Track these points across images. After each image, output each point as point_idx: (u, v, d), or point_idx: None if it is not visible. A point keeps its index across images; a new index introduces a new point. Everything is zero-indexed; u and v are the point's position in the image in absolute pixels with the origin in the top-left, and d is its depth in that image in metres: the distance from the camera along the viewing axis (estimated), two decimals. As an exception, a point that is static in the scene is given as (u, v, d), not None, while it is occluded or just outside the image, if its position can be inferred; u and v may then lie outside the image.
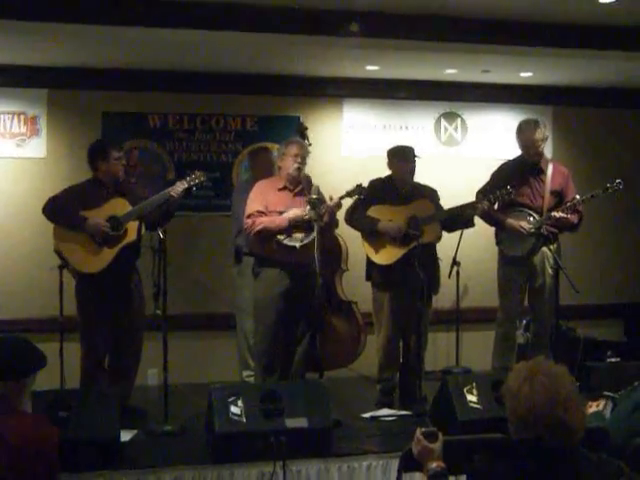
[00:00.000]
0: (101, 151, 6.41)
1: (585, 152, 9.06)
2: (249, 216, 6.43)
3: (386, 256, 6.78)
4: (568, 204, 6.83)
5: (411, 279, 6.52)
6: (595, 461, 3.09)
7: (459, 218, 6.84)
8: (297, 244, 6.37)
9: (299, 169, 6.50)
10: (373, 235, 6.78)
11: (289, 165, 6.48)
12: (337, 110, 8.57)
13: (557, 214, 6.78)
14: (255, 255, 6.66)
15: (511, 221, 6.89)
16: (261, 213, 6.42)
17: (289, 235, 6.38)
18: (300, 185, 6.55)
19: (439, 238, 6.84)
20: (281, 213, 6.42)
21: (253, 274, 6.62)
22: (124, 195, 6.43)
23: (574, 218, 6.92)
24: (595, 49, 7.34)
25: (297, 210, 6.38)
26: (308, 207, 6.33)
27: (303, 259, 6.34)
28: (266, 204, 6.45)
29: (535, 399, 3.01)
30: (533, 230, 6.79)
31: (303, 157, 6.53)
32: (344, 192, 6.43)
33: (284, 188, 6.54)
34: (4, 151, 7.84)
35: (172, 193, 6.32)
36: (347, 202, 6.66)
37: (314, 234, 6.26)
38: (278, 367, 6.53)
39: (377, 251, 6.80)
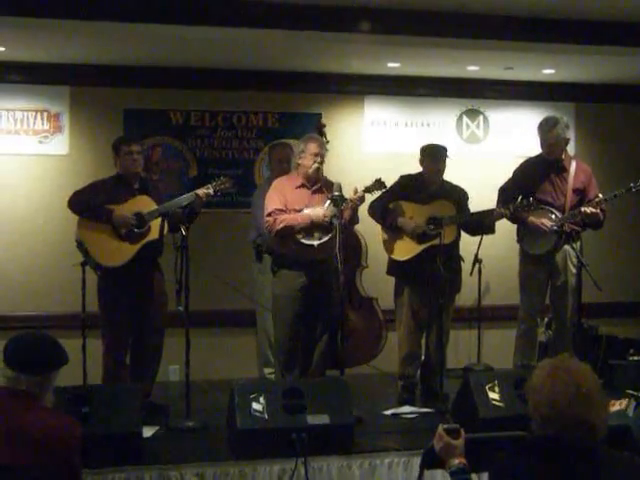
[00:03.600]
0: (114, 147, 6.46)
1: (608, 149, 9.02)
2: (269, 214, 6.44)
3: (402, 252, 6.81)
4: (590, 203, 6.79)
5: (431, 276, 6.53)
6: (618, 459, 3.08)
7: (480, 223, 6.83)
8: (315, 242, 6.38)
9: (319, 169, 6.51)
10: (392, 230, 6.81)
11: (309, 164, 6.47)
12: (359, 107, 8.56)
13: (588, 209, 6.71)
14: (274, 253, 6.68)
15: (533, 219, 6.85)
16: (281, 211, 6.42)
17: (308, 234, 6.39)
18: (319, 182, 6.56)
19: (454, 240, 6.80)
20: (299, 211, 6.42)
21: (272, 271, 6.64)
22: (147, 191, 6.45)
23: (601, 215, 6.87)
24: (618, 46, 7.31)
25: (320, 210, 6.37)
26: (327, 203, 6.34)
27: (322, 256, 6.35)
28: (285, 202, 6.45)
29: (556, 396, 3.00)
30: (555, 228, 6.76)
31: (322, 155, 6.54)
32: (363, 187, 6.44)
33: (302, 185, 6.55)
34: (27, 148, 7.88)
35: (199, 196, 6.32)
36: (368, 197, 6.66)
37: (333, 232, 6.27)
38: (298, 364, 6.54)
39: (394, 246, 6.85)
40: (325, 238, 6.36)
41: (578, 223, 6.85)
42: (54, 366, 3.59)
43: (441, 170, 6.89)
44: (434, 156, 6.88)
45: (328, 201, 6.36)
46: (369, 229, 7.21)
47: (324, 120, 7.91)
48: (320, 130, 7.38)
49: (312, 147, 6.50)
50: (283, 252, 6.50)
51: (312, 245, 6.38)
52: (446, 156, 6.88)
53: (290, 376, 6.43)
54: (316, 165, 6.47)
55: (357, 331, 7.41)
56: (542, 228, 6.78)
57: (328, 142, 7.23)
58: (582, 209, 6.73)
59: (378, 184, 6.49)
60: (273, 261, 6.67)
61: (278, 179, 6.73)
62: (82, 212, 6.31)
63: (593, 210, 6.69)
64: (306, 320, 6.53)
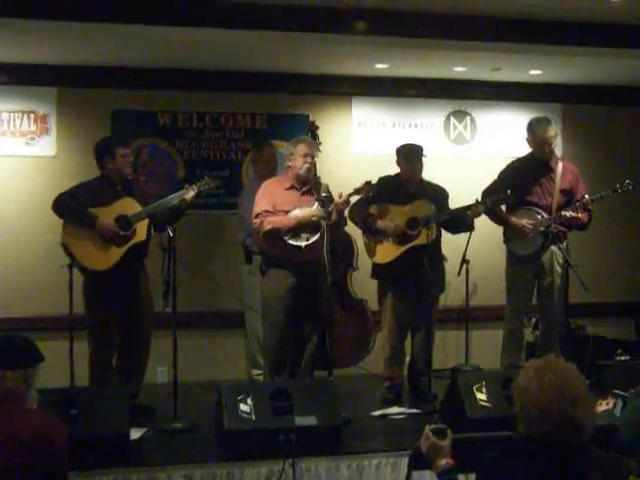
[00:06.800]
0: (107, 148, 6.42)
1: (595, 150, 9.03)
2: (257, 215, 6.44)
3: (383, 255, 6.82)
4: (577, 204, 6.81)
5: (415, 277, 6.54)
6: (605, 458, 3.09)
7: (460, 221, 6.84)
8: (302, 244, 6.39)
9: (309, 169, 6.50)
10: (372, 233, 6.82)
11: (299, 165, 6.48)
12: (346, 108, 8.56)
13: (567, 213, 6.75)
14: (262, 254, 6.68)
15: (514, 220, 6.89)
16: (269, 212, 6.42)
17: (295, 235, 6.39)
18: (308, 184, 6.55)
19: (435, 239, 6.79)
20: (288, 212, 6.43)
21: (260, 272, 6.64)
22: (133, 193, 6.44)
23: (584, 217, 6.89)
24: (605, 47, 7.33)
25: (306, 210, 6.38)
26: (316, 205, 6.34)
27: (309, 258, 6.35)
28: (274, 203, 6.46)
29: (543, 396, 3.01)
30: (542, 228, 6.77)
31: (312, 156, 6.53)
32: (352, 189, 6.44)
33: (291, 187, 6.55)
34: (14, 150, 7.85)
35: (184, 197, 6.33)
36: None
37: (319, 233, 6.28)
38: (287, 365, 6.54)
39: (375, 249, 6.87)
40: (312, 239, 6.37)
41: (565, 224, 6.87)
42: (35, 360, 3.60)
43: (418, 170, 6.90)
44: (409, 156, 6.90)
45: (316, 203, 6.37)
46: (357, 231, 7.21)
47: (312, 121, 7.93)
48: (313, 132, 7.38)
49: (302, 148, 6.50)
50: (271, 253, 6.50)
51: (299, 246, 6.39)
52: (422, 155, 6.89)
53: (279, 377, 6.43)
54: (307, 166, 6.47)
55: (347, 332, 7.41)
56: (524, 230, 6.81)
57: (320, 144, 7.23)
58: (563, 213, 6.76)
59: (367, 186, 6.48)
60: (262, 262, 6.66)
61: (268, 180, 6.74)
62: (65, 216, 6.29)
63: (573, 214, 6.72)
64: (295, 321, 6.53)
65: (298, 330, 6.57)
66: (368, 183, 6.49)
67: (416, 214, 6.70)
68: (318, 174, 7.03)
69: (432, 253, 6.72)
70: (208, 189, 6.58)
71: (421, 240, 6.61)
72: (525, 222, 6.82)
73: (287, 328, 6.51)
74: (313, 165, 6.57)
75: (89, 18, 6.41)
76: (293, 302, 6.46)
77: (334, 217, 6.40)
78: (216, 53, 7.50)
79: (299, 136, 6.88)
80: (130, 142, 6.71)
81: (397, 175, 6.97)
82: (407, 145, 7.02)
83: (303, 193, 6.55)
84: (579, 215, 6.78)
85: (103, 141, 6.58)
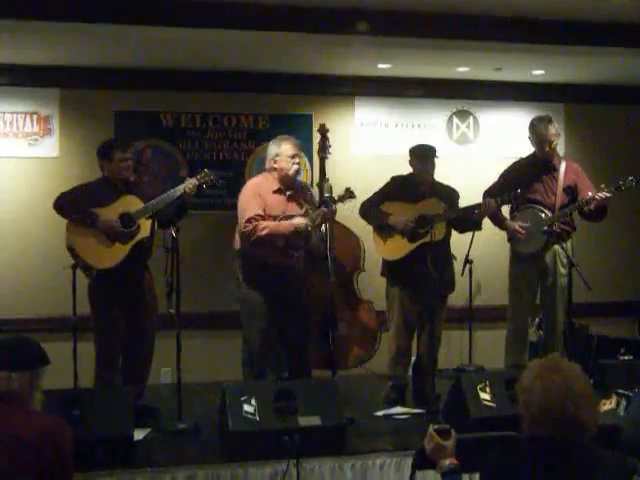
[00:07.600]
0: (105, 152, 6.41)
1: (598, 149, 9.03)
2: (249, 220, 6.36)
3: (393, 251, 6.82)
4: (579, 202, 6.77)
5: (422, 276, 6.53)
6: (609, 458, 3.09)
7: (468, 219, 6.83)
8: (295, 253, 6.38)
9: (298, 172, 6.50)
10: (383, 229, 6.82)
11: (287, 167, 6.44)
12: (349, 108, 8.56)
13: (601, 194, 6.61)
14: (246, 256, 6.57)
15: (509, 223, 6.90)
16: (261, 217, 6.37)
17: (289, 242, 6.36)
18: (293, 188, 6.52)
19: (445, 237, 6.79)
20: (276, 217, 6.39)
21: (242, 275, 6.58)
22: (135, 194, 6.42)
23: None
24: (608, 46, 7.33)
25: (302, 219, 6.35)
26: (304, 210, 6.35)
27: (295, 263, 6.37)
28: (264, 206, 6.41)
29: (547, 396, 3.01)
30: (545, 228, 6.76)
31: (299, 156, 6.52)
32: (335, 197, 6.44)
33: (278, 190, 6.51)
34: (17, 151, 7.86)
35: (185, 189, 6.30)
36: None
37: (319, 235, 6.29)
38: (267, 370, 6.55)
39: (385, 246, 6.86)
40: (303, 249, 6.37)
41: (568, 223, 6.87)
42: (42, 362, 3.61)
43: (430, 170, 6.90)
44: (422, 156, 6.89)
45: (304, 209, 6.36)
46: (362, 231, 7.21)
47: (315, 122, 7.92)
48: (323, 134, 7.35)
49: (288, 149, 6.46)
50: (259, 256, 6.42)
51: (293, 254, 6.37)
52: (435, 156, 6.89)
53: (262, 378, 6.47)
54: (295, 167, 6.45)
55: (352, 333, 7.41)
56: (518, 233, 6.80)
57: (330, 146, 7.21)
58: (589, 195, 6.65)
59: (348, 193, 6.50)
60: (244, 264, 6.59)
61: (254, 181, 6.67)
62: (67, 215, 6.29)
63: (607, 194, 6.59)
64: (279, 324, 6.52)
65: (289, 331, 6.57)
66: (348, 189, 6.49)
67: (426, 212, 6.69)
68: (328, 178, 7.02)
69: (442, 252, 6.71)
70: (208, 181, 6.50)
71: (426, 238, 6.60)
72: (518, 226, 6.82)
73: (270, 333, 6.50)
74: (300, 165, 6.55)
75: (91, 19, 6.40)
76: (275, 306, 6.44)
77: (319, 221, 6.40)
78: (219, 54, 7.50)
79: (281, 135, 6.77)
80: (130, 145, 6.69)
81: (410, 175, 6.98)
82: (420, 145, 7.02)
83: (289, 197, 6.51)
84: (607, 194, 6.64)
85: (104, 144, 6.56)
